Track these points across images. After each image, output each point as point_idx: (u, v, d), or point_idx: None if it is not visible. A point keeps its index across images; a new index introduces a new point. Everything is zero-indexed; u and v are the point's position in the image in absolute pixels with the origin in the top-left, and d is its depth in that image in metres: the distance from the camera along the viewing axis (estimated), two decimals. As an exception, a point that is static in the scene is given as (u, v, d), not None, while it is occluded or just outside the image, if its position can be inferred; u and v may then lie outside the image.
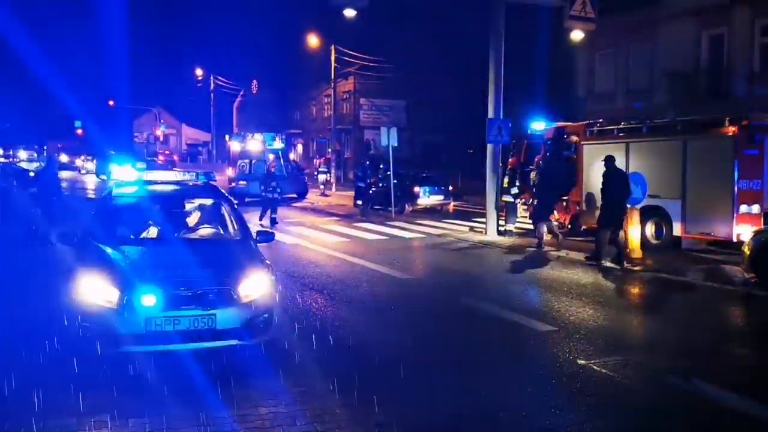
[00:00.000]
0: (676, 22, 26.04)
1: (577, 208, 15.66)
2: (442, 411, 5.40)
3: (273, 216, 18.61)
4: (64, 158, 56.90)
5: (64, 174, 44.85)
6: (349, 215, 21.74)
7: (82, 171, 52.32)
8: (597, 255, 12.24)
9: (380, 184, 23.21)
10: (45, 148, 67.63)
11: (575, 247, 13.99)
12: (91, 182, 40.65)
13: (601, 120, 16.53)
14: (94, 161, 48.58)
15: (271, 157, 24.29)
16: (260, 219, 18.51)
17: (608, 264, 12.05)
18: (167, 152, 58.80)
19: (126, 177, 8.63)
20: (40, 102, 79.23)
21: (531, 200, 16.09)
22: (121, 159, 29.14)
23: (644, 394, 5.91)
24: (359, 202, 22.80)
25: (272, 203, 18.72)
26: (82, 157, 56.04)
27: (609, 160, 12.38)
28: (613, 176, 12.23)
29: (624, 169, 13.76)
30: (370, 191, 23.20)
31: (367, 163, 25.95)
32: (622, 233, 12.42)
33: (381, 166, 25.01)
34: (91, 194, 30.78)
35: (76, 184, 39.19)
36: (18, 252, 12.54)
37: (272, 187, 18.57)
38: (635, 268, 11.91)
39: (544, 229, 14.46)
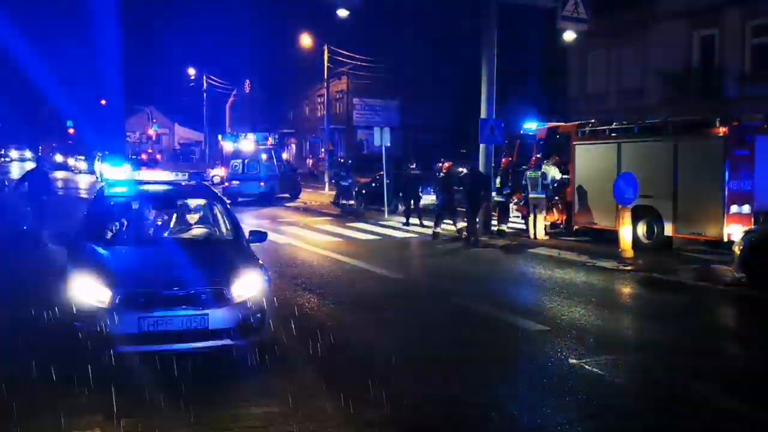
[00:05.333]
0: (667, 23, 26.16)
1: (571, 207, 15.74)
2: (433, 410, 5.43)
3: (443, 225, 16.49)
4: (59, 158, 56.69)
5: (59, 174, 44.76)
6: (341, 215, 21.74)
7: (75, 171, 52.21)
8: (475, 243, 14.90)
9: (373, 184, 23.21)
10: (40, 147, 67.26)
11: (568, 247, 14.05)
12: (83, 182, 40.49)
13: (593, 120, 16.60)
14: (86, 161, 48.52)
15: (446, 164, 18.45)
16: (437, 227, 16.27)
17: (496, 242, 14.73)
18: (149, 151, 58.34)
19: (118, 176, 8.64)
20: (31, 101, 78.91)
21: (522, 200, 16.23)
22: (115, 160, 28.25)
23: (635, 393, 5.95)
24: (346, 202, 22.81)
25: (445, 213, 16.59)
26: (75, 157, 55.88)
27: (473, 167, 16.12)
28: (475, 178, 15.54)
29: (615, 170, 13.91)
30: (362, 190, 23.25)
31: (350, 162, 25.82)
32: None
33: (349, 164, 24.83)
34: (83, 194, 30.65)
35: (69, 184, 39.04)
36: (8, 252, 12.46)
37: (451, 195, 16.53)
38: (627, 268, 11.97)
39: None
